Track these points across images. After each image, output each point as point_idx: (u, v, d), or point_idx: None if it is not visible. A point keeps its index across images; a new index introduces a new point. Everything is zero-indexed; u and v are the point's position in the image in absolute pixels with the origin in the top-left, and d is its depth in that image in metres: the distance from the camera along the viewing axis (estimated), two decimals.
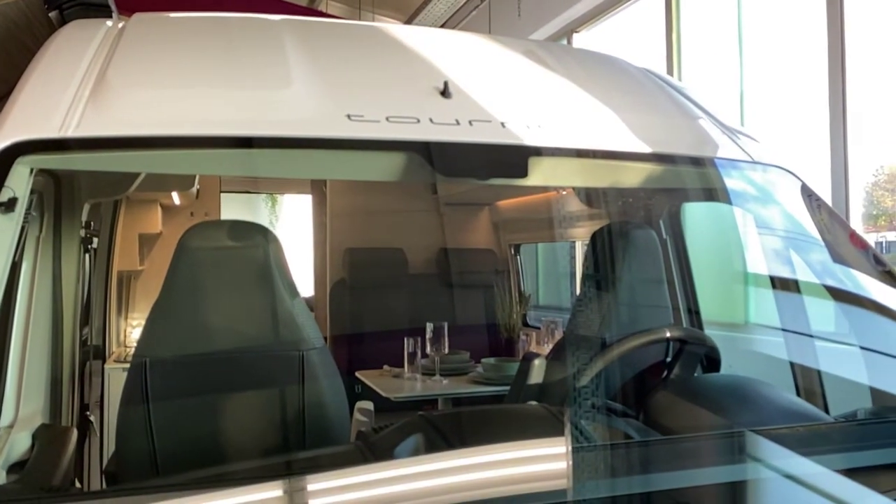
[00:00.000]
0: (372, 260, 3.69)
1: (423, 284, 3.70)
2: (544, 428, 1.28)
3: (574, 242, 4.40)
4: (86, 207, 2.01)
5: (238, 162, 1.45)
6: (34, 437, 1.63)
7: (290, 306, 1.63)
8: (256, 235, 1.64)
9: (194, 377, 1.57)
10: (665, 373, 1.63)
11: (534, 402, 1.66)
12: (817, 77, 3.16)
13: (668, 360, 1.66)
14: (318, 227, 4.51)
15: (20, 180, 1.22)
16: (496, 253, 3.96)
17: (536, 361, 1.82)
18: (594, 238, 1.97)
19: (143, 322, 4.47)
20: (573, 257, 4.72)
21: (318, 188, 4.63)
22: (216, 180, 4.54)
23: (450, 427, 1.24)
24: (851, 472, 1.16)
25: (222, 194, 4.86)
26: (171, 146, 1.33)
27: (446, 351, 2.90)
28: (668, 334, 1.62)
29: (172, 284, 1.59)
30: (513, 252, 3.92)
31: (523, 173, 1.45)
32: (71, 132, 1.27)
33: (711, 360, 1.70)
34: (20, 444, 1.59)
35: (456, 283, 3.73)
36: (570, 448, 1.08)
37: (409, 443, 1.15)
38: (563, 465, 1.07)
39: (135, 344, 4.33)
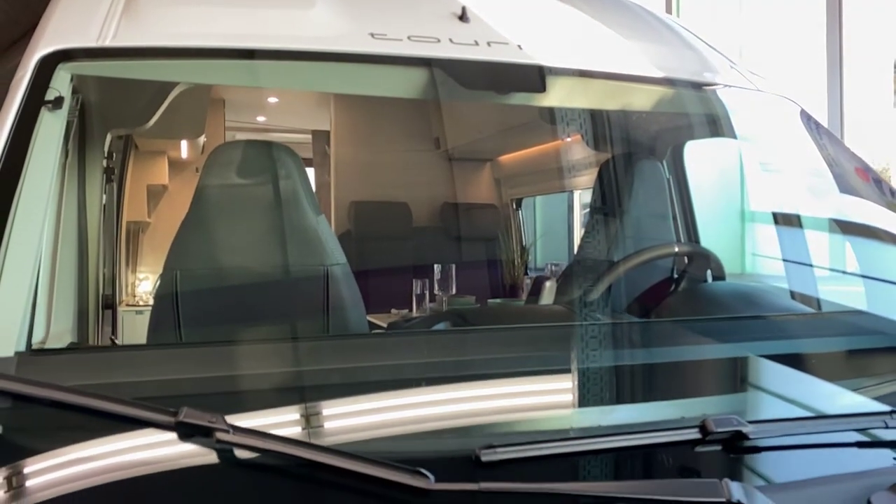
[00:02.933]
0: (377, 213, 3.75)
1: (427, 237, 3.77)
2: (564, 322, 1.36)
3: (572, 196, 4.48)
4: (108, 137, 2.06)
5: (265, 74, 1.51)
6: None
7: (314, 223, 1.70)
8: (282, 154, 1.70)
9: (223, 290, 1.64)
10: (672, 287, 1.70)
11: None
12: (817, 39, 3.22)
13: (675, 276, 1.74)
14: (322, 184, 4.57)
15: (63, 84, 1.29)
16: (498, 208, 4.04)
17: (547, 283, 1.89)
18: (602, 169, 2.04)
19: (150, 275, 4.51)
20: (570, 217, 4.81)
21: (319, 144, 4.68)
22: (220, 141, 4.57)
23: (477, 319, 1.31)
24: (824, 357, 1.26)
25: None
26: (200, 56, 1.40)
27: (454, 292, 2.97)
28: (675, 249, 1.69)
29: (201, 200, 1.65)
30: (514, 206, 4.00)
31: (542, 88, 1.52)
32: (108, 42, 1.35)
33: (716, 279, 1.77)
34: None
35: (458, 236, 3.81)
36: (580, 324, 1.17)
37: (440, 328, 1.23)
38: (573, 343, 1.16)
39: (143, 296, 4.39)
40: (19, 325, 0.96)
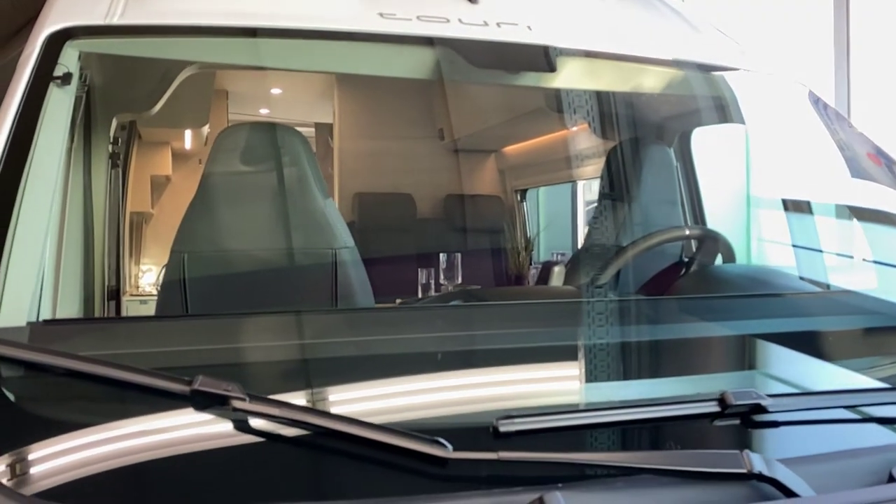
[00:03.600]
0: (381, 204, 3.74)
1: (432, 228, 3.77)
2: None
3: (576, 188, 4.47)
4: (114, 123, 2.05)
5: (273, 53, 1.50)
6: None
7: (322, 207, 1.69)
8: (291, 137, 1.69)
9: (231, 272, 1.63)
10: (683, 271, 1.69)
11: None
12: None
13: (686, 260, 1.73)
14: (325, 177, 4.55)
15: (71, 61, 1.28)
16: (502, 199, 4.03)
17: (556, 268, 1.88)
18: (611, 154, 2.03)
19: (153, 267, 4.49)
20: (574, 209, 4.79)
21: (322, 137, 4.67)
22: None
23: (490, 298, 1.30)
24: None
25: None
26: (207, 35, 1.40)
27: (459, 281, 2.96)
28: (686, 232, 1.68)
29: (209, 183, 1.64)
30: (518, 198, 4.00)
31: (550, 68, 1.52)
32: (116, 20, 1.34)
33: (726, 262, 1.76)
34: None
35: (463, 227, 3.81)
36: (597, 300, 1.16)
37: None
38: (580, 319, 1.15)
39: (147, 287, 4.37)
40: (30, 297, 0.95)
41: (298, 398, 0.87)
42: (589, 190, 4.60)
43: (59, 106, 1.21)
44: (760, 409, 0.91)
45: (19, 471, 0.76)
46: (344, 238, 1.69)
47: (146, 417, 0.81)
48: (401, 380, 0.97)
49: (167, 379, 0.80)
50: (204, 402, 0.79)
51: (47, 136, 1.16)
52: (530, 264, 3.55)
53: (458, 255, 2.96)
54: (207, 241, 1.62)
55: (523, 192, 4.01)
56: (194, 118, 3.30)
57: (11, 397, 0.82)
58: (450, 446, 0.79)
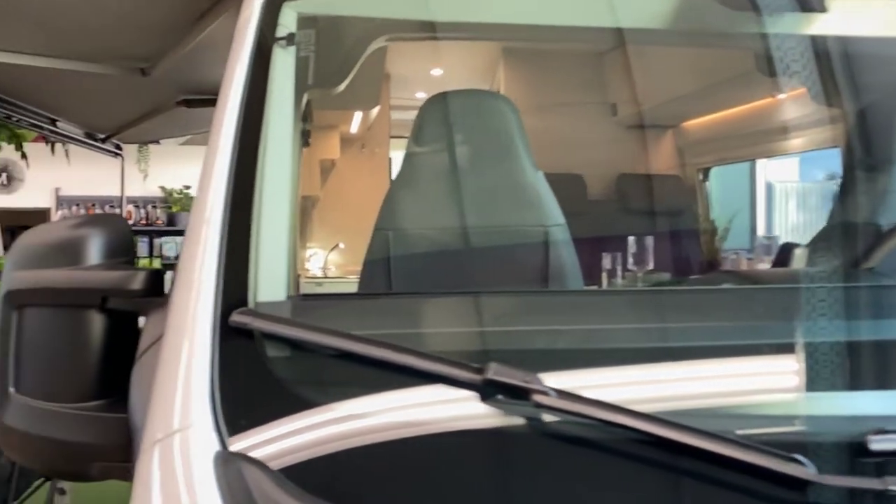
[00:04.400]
0: (551, 185, 3.55)
1: (606, 210, 3.54)
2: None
3: (754, 167, 4.05)
4: (304, 98, 2.01)
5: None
6: None
7: (533, 180, 1.55)
8: (500, 104, 1.56)
9: (437, 250, 1.52)
10: None
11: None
12: None
13: None
14: None
15: (290, 22, 1.22)
16: (682, 178, 3.72)
17: (797, 250, 1.62)
18: (860, 117, 1.73)
19: (319, 251, 4.56)
20: (753, 191, 4.35)
21: None
22: (386, 117, 4.53)
23: (763, 281, 1.10)
24: None
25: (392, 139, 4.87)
26: None
27: (650, 267, 2.72)
28: None
29: (414, 155, 1.54)
30: (701, 177, 3.66)
31: (821, 7, 1.28)
32: None
33: None
34: None
35: (641, 209, 3.54)
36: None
37: None
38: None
39: (315, 272, 4.46)
40: (286, 270, 0.88)
41: (607, 396, 0.71)
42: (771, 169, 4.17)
43: (285, 70, 1.15)
44: None
45: (281, 449, 0.67)
46: (555, 215, 1.54)
47: (429, 405, 0.69)
48: (700, 376, 0.79)
49: (454, 365, 0.67)
50: (498, 393, 0.66)
51: (278, 102, 1.09)
52: (722, 249, 3.24)
53: (651, 239, 2.72)
54: (412, 218, 1.52)
55: (706, 171, 3.67)
56: (367, 99, 3.28)
57: (281, 374, 0.73)
58: (813, 468, 0.60)
